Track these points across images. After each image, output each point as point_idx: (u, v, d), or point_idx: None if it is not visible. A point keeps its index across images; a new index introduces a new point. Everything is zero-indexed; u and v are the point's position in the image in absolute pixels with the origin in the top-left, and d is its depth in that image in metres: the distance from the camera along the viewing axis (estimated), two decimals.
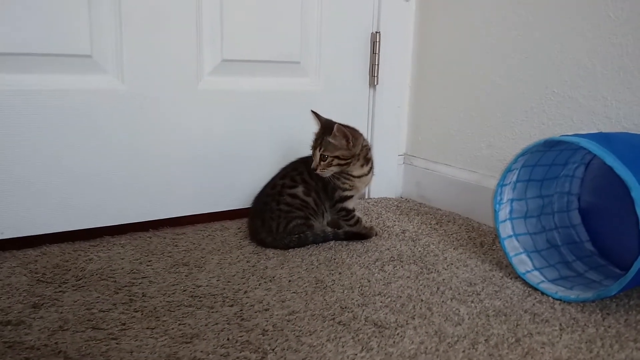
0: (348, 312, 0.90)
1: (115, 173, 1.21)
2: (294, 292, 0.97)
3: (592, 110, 1.16)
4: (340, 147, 1.16)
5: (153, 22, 1.20)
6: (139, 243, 1.19)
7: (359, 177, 1.22)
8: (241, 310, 0.90)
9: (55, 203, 1.16)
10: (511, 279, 1.05)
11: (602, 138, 0.93)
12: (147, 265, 1.07)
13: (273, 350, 0.78)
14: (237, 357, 0.76)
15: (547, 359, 0.78)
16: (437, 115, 1.55)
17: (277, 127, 1.41)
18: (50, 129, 1.13)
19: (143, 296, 0.94)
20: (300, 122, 1.38)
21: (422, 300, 0.95)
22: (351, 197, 1.23)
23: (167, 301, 0.93)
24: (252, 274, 1.05)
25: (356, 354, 0.78)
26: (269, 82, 1.39)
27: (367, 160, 1.23)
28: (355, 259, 1.14)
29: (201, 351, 0.78)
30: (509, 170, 1.05)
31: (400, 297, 0.96)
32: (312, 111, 1.21)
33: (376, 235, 1.28)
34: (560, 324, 0.88)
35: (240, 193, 1.37)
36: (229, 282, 1.01)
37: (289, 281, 1.02)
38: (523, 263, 1.05)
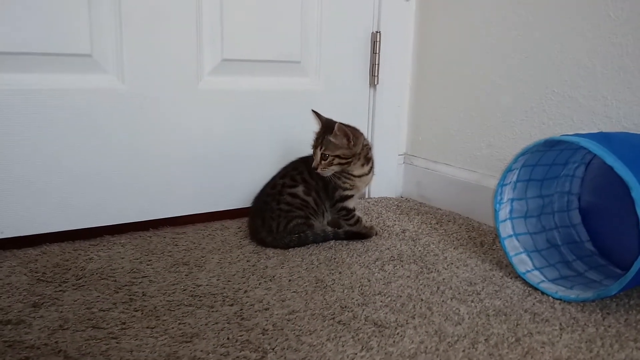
0: (348, 311, 0.90)
1: (116, 172, 1.21)
2: (294, 292, 0.97)
3: (593, 110, 1.16)
4: (341, 146, 1.16)
5: (153, 22, 1.20)
6: (139, 242, 1.19)
7: (359, 176, 1.22)
8: (241, 310, 0.90)
9: (55, 202, 1.16)
10: (511, 278, 1.05)
11: (603, 138, 0.93)
12: (147, 265, 1.07)
13: (273, 349, 0.78)
14: (237, 357, 0.76)
15: (547, 359, 0.78)
16: (437, 114, 1.55)
17: (277, 126, 1.41)
18: (50, 128, 1.13)
19: (143, 295, 0.94)
20: (300, 122, 1.38)
21: (422, 300, 0.95)
22: (351, 196, 1.23)
23: (167, 300, 0.93)
24: (252, 273, 1.05)
25: (356, 354, 0.78)
26: (269, 82, 1.39)
27: (368, 160, 1.23)
28: (356, 258, 1.14)
29: (201, 350, 0.78)
30: (509, 169, 1.04)
31: (400, 296, 0.96)
32: (313, 110, 1.21)
33: (376, 234, 1.28)
34: (561, 324, 0.88)
35: (240, 192, 1.37)
36: (229, 281, 1.01)
37: (289, 280, 1.02)
38: (523, 263, 1.05)
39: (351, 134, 1.16)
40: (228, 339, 0.81)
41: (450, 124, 1.51)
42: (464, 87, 1.46)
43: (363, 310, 0.91)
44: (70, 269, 1.04)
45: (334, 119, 1.18)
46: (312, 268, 1.08)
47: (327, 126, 1.17)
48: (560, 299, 0.96)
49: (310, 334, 0.83)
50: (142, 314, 0.88)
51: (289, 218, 1.18)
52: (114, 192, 1.22)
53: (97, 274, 1.02)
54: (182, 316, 0.87)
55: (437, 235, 1.30)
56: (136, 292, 0.95)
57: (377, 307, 0.92)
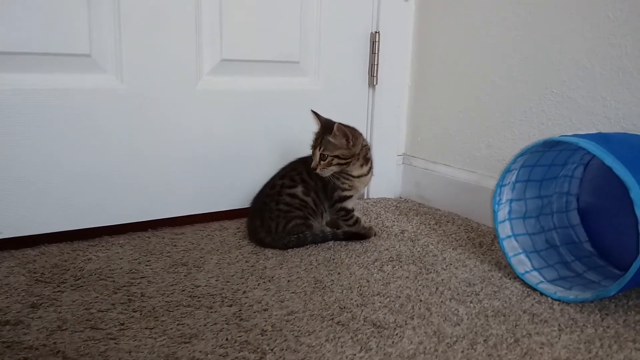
0: (347, 312, 0.90)
1: (115, 172, 1.21)
2: (292, 292, 0.97)
3: (591, 111, 1.16)
4: (340, 147, 1.16)
5: (152, 22, 1.20)
6: (138, 243, 1.19)
7: (358, 177, 1.22)
8: (240, 311, 0.90)
9: (55, 202, 1.16)
10: (510, 279, 1.05)
11: (601, 138, 0.93)
12: (146, 265, 1.07)
13: (272, 350, 0.78)
14: (236, 357, 0.76)
15: (546, 359, 0.78)
16: (437, 115, 1.55)
17: (276, 126, 1.40)
18: (50, 128, 1.13)
19: (142, 296, 0.94)
20: (299, 122, 1.38)
21: (421, 301, 0.95)
22: (350, 197, 1.23)
23: (165, 301, 0.93)
24: (251, 274, 1.05)
25: (355, 354, 0.78)
26: (268, 82, 1.39)
27: (367, 160, 1.23)
28: (354, 259, 1.14)
29: (200, 351, 0.78)
30: (508, 170, 1.05)
31: (399, 297, 0.96)
32: (312, 111, 1.21)
33: (375, 235, 1.28)
34: (559, 325, 0.88)
35: (239, 193, 1.37)
36: (227, 282, 1.01)
37: (288, 281, 1.02)
38: (522, 263, 1.05)
39: (350, 134, 1.16)
40: (227, 339, 0.81)
41: (450, 125, 1.51)
42: (463, 87, 1.46)
43: (362, 311, 0.91)
44: (68, 270, 1.04)
45: (333, 119, 1.18)
46: (311, 269, 1.08)
47: (327, 126, 1.17)
48: (559, 300, 0.96)
49: (309, 335, 0.83)
50: (140, 314, 0.88)
51: (288, 218, 1.18)
52: (113, 192, 1.22)
53: (95, 274, 1.02)
54: (181, 317, 0.87)
55: (436, 235, 1.30)
56: (135, 292, 0.95)
57: (376, 307, 0.92)
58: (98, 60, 1.16)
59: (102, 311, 0.88)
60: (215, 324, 0.85)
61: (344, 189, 1.22)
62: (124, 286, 0.98)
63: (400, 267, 1.10)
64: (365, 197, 1.61)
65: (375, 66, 1.52)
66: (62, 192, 1.16)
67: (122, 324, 0.84)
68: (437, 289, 1.00)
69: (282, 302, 0.93)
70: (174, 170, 1.29)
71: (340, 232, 1.24)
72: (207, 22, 1.26)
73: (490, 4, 1.35)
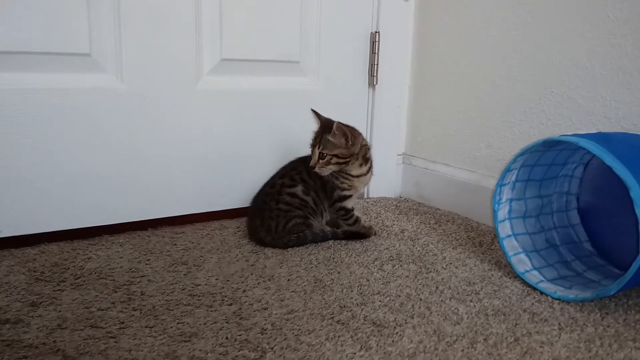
0: (347, 311, 0.90)
1: (115, 172, 1.21)
2: (292, 291, 0.97)
3: (591, 111, 1.16)
4: (339, 146, 1.16)
5: (152, 21, 1.20)
6: (138, 242, 1.19)
7: (357, 176, 1.22)
8: (240, 309, 0.90)
9: (55, 201, 1.16)
10: (510, 278, 1.05)
11: (601, 138, 0.93)
12: (146, 264, 1.07)
13: (272, 349, 0.78)
14: (236, 356, 0.76)
15: (546, 358, 0.78)
16: (437, 115, 1.55)
17: (277, 126, 1.41)
18: (50, 127, 1.13)
19: (142, 295, 0.94)
20: (299, 122, 1.38)
21: (421, 300, 0.95)
22: (350, 196, 1.23)
23: (165, 300, 0.93)
24: (251, 273, 1.05)
25: (355, 353, 0.78)
26: (269, 82, 1.39)
27: (366, 160, 1.23)
28: (354, 258, 1.14)
29: (200, 350, 0.78)
30: (508, 170, 1.05)
31: (399, 296, 0.96)
32: (312, 110, 1.21)
33: (375, 234, 1.28)
34: (559, 324, 0.88)
35: (239, 192, 1.37)
36: (227, 281, 1.01)
37: (288, 280, 1.02)
38: (522, 262, 1.05)
39: (349, 133, 1.16)
40: (227, 338, 0.81)
41: (450, 124, 1.51)
42: (463, 87, 1.46)
43: (362, 310, 0.91)
44: (68, 269, 1.04)
45: (333, 118, 1.18)
46: (311, 268, 1.08)
47: (326, 125, 1.17)
48: (559, 299, 0.96)
49: (309, 334, 0.83)
50: (140, 313, 0.88)
51: (288, 218, 1.18)
52: (113, 192, 1.22)
53: (95, 273, 1.02)
54: (181, 315, 0.87)
55: (436, 235, 1.30)
56: (135, 291, 0.95)
57: (375, 306, 0.92)
58: (98, 59, 1.16)
59: (102, 310, 0.88)
60: (215, 322, 0.85)
61: (344, 189, 1.22)
62: (124, 285, 0.98)
63: (400, 266, 1.10)
64: (365, 196, 1.61)
65: (375, 66, 1.52)
66: (62, 191, 1.16)
67: (122, 323, 0.84)
68: (437, 288, 1.00)
69: (282, 300, 0.93)
70: (174, 170, 1.29)
71: (340, 231, 1.24)
72: (207, 21, 1.26)
73: (490, 4, 1.35)
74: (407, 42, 1.59)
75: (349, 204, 1.24)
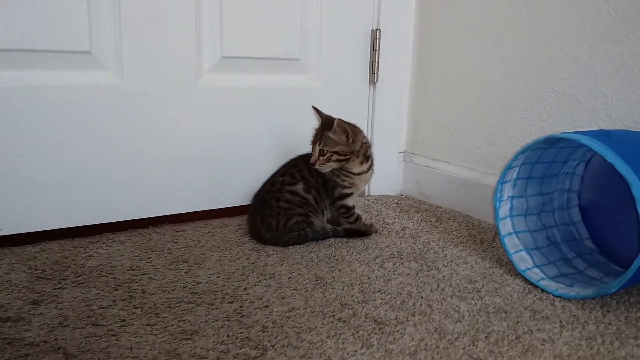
0: (348, 309, 0.90)
1: (115, 169, 1.21)
2: (293, 289, 0.97)
3: (593, 108, 1.16)
4: (339, 143, 1.16)
5: (153, 18, 1.19)
6: (139, 240, 1.19)
7: (358, 174, 1.22)
8: (241, 307, 0.90)
9: (55, 199, 1.16)
10: (511, 276, 1.05)
11: (603, 135, 0.93)
12: (147, 262, 1.07)
13: (273, 346, 0.78)
14: (237, 354, 0.76)
15: (548, 356, 0.78)
16: (437, 112, 1.55)
17: (277, 124, 1.40)
18: (50, 125, 1.13)
19: (143, 293, 0.94)
20: (300, 119, 1.38)
21: (422, 297, 0.95)
22: (351, 194, 1.23)
23: (166, 298, 0.92)
24: (252, 270, 1.05)
25: (356, 351, 0.78)
26: (269, 79, 1.38)
27: (367, 158, 1.23)
28: (355, 256, 1.14)
29: (201, 347, 0.77)
30: (509, 167, 1.04)
31: (400, 294, 0.96)
32: (313, 107, 1.21)
33: (376, 232, 1.28)
34: (561, 321, 0.88)
35: (239, 190, 1.37)
36: (228, 278, 1.01)
37: (289, 278, 1.02)
38: (523, 260, 1.05)
39: (350, 130, 1.16)
40: (228, 336, 0.81)
41: (451, 122, 1.51)
42: (464, 85, 1.45)
43: (363, 308, 0.91)
44: (69, 267, 1.04)
45: (334, 116, 1.18)
46: (312, 265, 1.08)
47: (327, 122, 1.17)
48: (561, 297, 0.96)
49: (310, 332, 0.83)
50: (141, 311, 0.88)
51: (289, 216, 1.18)
52: (114, 189, 1.22)
53: (96, 271, 1.02)
54: (182, 313, 0.87)
55: (437, 232, 1.30)
56: (136, 289, 0.95)
57: (377, 304, 0.92)
58: (98, 57, 1.16)
59: (103, 308, 0.88)
60: (216, 320, 0.85)
61: (345, 187, 1.22)
62: (125, 283, 0.98)
63: (402, 264, 1.10)
64: (366, 194, 1.61)
65: (376, 63, 1.52)
66: (63, 189, 1.16)
67: (123, 321, 0.84)
68: (438, 285, 1.00)
69: (283, 298, 0.93)
70: (175, 167, 1.28)
71: (341, 229, 1.24)
72: (208, 19, 1.26)
73: (491, 2, 1.35)
74: (407, 40, 1.58)
75: (349, 201, 1.23)
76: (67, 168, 1.16)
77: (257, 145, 1.39)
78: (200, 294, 0.94)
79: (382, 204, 1.53)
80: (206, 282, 0.99)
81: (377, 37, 1.50)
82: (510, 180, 1.07)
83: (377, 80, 1.53)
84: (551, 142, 1.00)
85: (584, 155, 1.12)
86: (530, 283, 1.02)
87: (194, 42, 1.25)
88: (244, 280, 1.00)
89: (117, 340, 0.79)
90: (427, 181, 1.58)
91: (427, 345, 0.80)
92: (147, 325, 0.83)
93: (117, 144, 1.20)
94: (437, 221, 1.38)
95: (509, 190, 1.08)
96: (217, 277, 1.01)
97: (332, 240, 1.22)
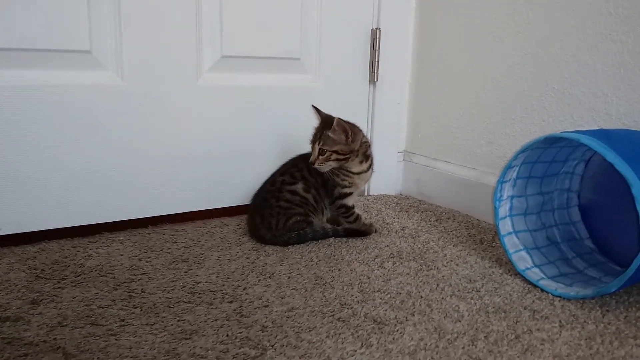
0: (347, 308, 0.90)
1: (115, 169, 1.21)
2: (293, 289, 0.97)
3: (593, 107, 1.16)
4: (339, 142, 1.16)
5: (153, 18, 1.19)
6: (138, 239, 1.19)
7: (358, 173, 1.22)
8: (240, 307, 0.90)
9: (55, 199, 1.16)
10: (511, 275, 1.05)
11: (603, 135, 0.93)
12: (147, 262, 1.07)
13: (272, 346, 0.78)
14: (237, 353, 0.76)
15: (547, 356, 0.78)
16: (437, 112, 1.55)
17: (277, 123, 1.40)
18: (50, 124, 1.13)
19: (142, 292, 0.94)
20: (300, 119, 1.38)
21: (421, 297, 0.95)
22: (350, 194, 1.23)
23: (166, 297, 0.92)
24: (252, 270, 1.05)
25: (356, 350, 0.78)
26: (269, 79, 1.38)
27: (367, 157, 1.23)
28: (355, 255, 1.14)
29: (200, 347, 0.77)
30: (509, 167, 1.04)
31: (400, 293, 0.96)
32: (313, 106, 1.21)
33: (376, 232, 1.28)
34: (560, 321, 0.88)
35: (239, 189, 1.37)
36: (228, 278, 1.01)
37: (289, 278, 1.02)
38: (523, 260, 1.05)
39: (350, 129, 1.16)
40: (227, 335, 0.81)
41: (450, 121, 1.51)
42: (464, 84, 1.45)
43: (362, 308, 0.91)
44: (69, 266, 1.04)
45: (334, 115, 1.18)
46: (312, 265, 1.08)
47: (326, 122, 1.17)
48: (560, 296, 0.96)
49: (309, 331, 0.83)
50: (141, 310, 0.88)
51: (289, 215, 1.18)
52: (113, 189, 1.22)
53: (96, 270, 1.02)
54: (182, 313, 0.87)
55: (437, 232, 1.30)
56: (135, 289, 0.95)
57: (376, 304, 0.92)
58: (98, 56, 1.16)
59: (103, 307, 0.88)
60: (216, 320, 0.85)
61: (344, 186, 1.22)
62: (125, 282, 0.98)
63: (401, 263, 1.10)
64: (366, 193, 1.61)
65: (376, 63, 1.52)
66: (62, 189, 1.16)
67: (123, 320, 0.84)
68: (437, 285, 1.00)
69: (282, 298, 0.93)
70: (175, 167, 1.28)
71: (341, 228, 1.24)
72: (208, 18, 1.26)
73: (491, 1, 1.35)
74: (407, 39, 1.58)
75: (349, 201, 1.23)
76: (67, 167, 1.16)
77: (257, 144, 1.39)
78: (199, 293, 0.94)
79: (382, 203, 1.53)
80: (206, 282, 0.99)
81: (377, 37, 1.50)
82: (510, 179, 1.07)
83: (377, 80, 1.53)
84: (551, 142, 1.00)
85: (583, 155, 1.12)
86: (530, 283, 1.02)
87: (194, 41, 1.25)
88: (243, 280, 1.00)
89: (116, 339, 0.79)
90: (426, 181, 1.58)
91: (426, 344, 0.80)
92: (147, 324, 0.83)
93: (117, 144, 1.20)
94: (436, 221, 1.38)
95: (508, 190, 1.08)
96: (216, 277, 1.01)
97: (331, 239, 1.22)
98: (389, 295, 0.95)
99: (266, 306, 0.90)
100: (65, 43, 1.12)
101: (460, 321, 0.87)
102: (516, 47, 1.30)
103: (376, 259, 1.12)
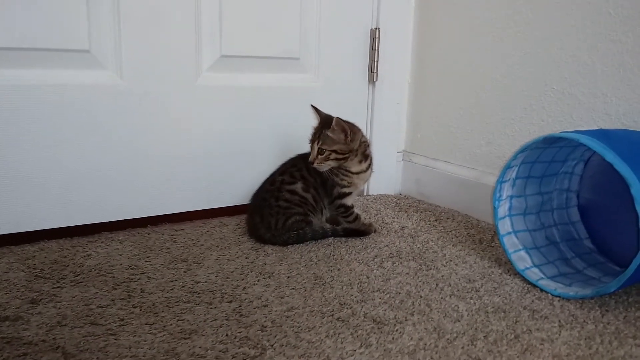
0: (347, 308, 0.90)
1: (114, 169, 1.21)
2: (292, 288, 0.97)
3: (592, 107, 1.16)
4: (338, 141, 1.16)
5: (152, 17, 1.19)
6: (138, 239, 1.19)
7: (357, 173, 1.22)
8: (240, 306, 0.90)
9: (54, 198, 1.15)
10: (510, 275, 1.05)
11: (602, 135, 0.93)
12: (146, 261, 1.07)
13: (272, 346, 0.78)
14: (236, 353, 0.76)
15: (546, 356, 0.78)
16: (437, 112, 1.55)
17: (276, 123, 1.40)
18: (50, 124, 1.13)
19: (141, 292, 0.94)
20: (299, 119, 1.38)
21: (421, 297, 0.95)
22: (350, 193, 1.23)
23: (165, 297, 0.92)
24: (251, 270, 1.05)
25: (355, 350, 0.78)
26: (268, 78, 1.38)
27: (366, 157, 1.23)
28: (354, 255, 1.14)
29: (200, 347, 0.77)
30: (508, 167, 1.04)
31: (399, 293, 0.96)
32: (312, 106, 1.21)
33: (375, 232, 1.28)
34: (559, 321, 0.88)
35: (239, 189, 1.37)
36: (227, 278, 1.01)
37: (288, 277, 1.02)
38: (522, 260, 1.05)
39: (349, 129, 1.16)
40: (227, 335, 0.81)
41: (450, 121, 1.51)
42: (464, 84, 1.45)
43: (362, 307, 0.91)
44: (68, 266, 1.03)
45: (333, 115, 1.18)
46: (311, 265, 1.08)
47: (326, 121, 1.17)
48: (559, 296, 0.96)
49: (309, 331, 0.83)
50: (140, 310, 0.88)
51: (288, 215, 1.18)
52: (112, 189, 1.22)
53: (95, 270, 1.02)
54: (181, 313, 0.87)
55: (436, 232, 1.30)
56: (134, 288, 0.95)
57: (376, 304, 0.92)
58: (97, 56, 1.16)
59: (102, 307, 0.88)
60: (215, 319, 0.85)
61: (343, 186, 1.22)
62: (124, 282, 0.97)
63: (400, 263, 1.10)
64: (365, 193, 1.61)
65: (375, 63, 1.52)
66: (62, 188, 1.16)
67: (122, 320, 0.84)
68: (437, 285, 1.00)
69: (282, 298, 0.93)
70: (174, 166, 1.28)
71: (340, 228, 1.24)
72: (207, 17, 1.26)
73: (490, 1, 1.35)
74: (407, 39, 1.58)
75: (348, 201, 1.23)
76: (67, 167, 1.16)
77: (257, 144, 1.39)
78: (199, 293, 0.94)
79: (381, 203, 1.53)
80: (205, 282, 0.99)
81: (377, 37, 1.50)
82: (509, 179, 1.07)
83: (377, 80, 1.53)
84: (550, 142, 1.00)
85: (583, 155, 1.12)
86: (529, 282, 1.02)
87: (194, 41, 1.25)
88: (242, 280, 1.00)
89: (115, 339, 0.79)
90: (426, 180, 1.58)
91: (426, 344, 0.80)
92: (146, 324, 0.83)
93: (116, 143, 1.20)
94: (436, 220, 1.38)
95: (508, 190, 1.08)
96: (216, 277, 1.01)
97: (331, 239, 1.22)
98: (388, 295, 0.95)
99: (265, 306, 0.90)
100: (64, 42, 1.12)
101: (459, 321, 0.87)
102: (516, 47, 1.30)
103: (375, 259, 1.12)
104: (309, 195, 1.20)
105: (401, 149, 1.66)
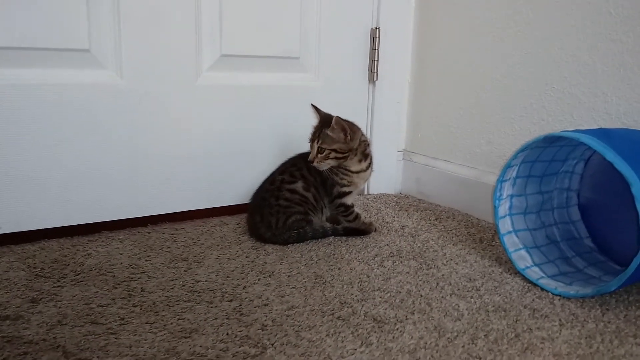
0: (347, 307, 0.90)
1: (115, 168, 1.21)
2: (293, 287, 0.97)
3: (592, 107, 1.16)
4: (338, 140, 1.16)
5: (152, 17, 1.19)
6: (138, 238, 1.19)
7: (357, 172, 1.22)
8: (240, 305, 0.90)
9: (54, 198, 1.15)
10: (510, 274, 1.05)
11: (602, 134, 0.93)
12: (146, 260, 1.07)
13: (272, 345, 0.78)
14: (237, 352, 0.76)
15: (547, 354, 0.78)
16: (437, 111, 1.55)
17: (277, 122, 1.40)
18: (50, 123, 1.13)
19: (142, 291, 0.94)
20: (299, 118, 1.38)
21: (421, 296, 0.95)
22: (350, 193, 1.23)
23: (166, 296, 0.92)
24: (251, 269, 1.05)
25: (355, 349, 0.78)
26: (268, 78, 1.38)
27: (366, 156, 1.23)
28: (355, 254, 1.14)
29: (200, 346, 0.77)
30: (508, 166, 1.04)
31: (400, 292, 0.96)
32: (312, 105, 1.21)
33: (375, 231, 1.28)
34: (560, 320, 0.88)
35: (239, 188, 1.37)
36: (228, 277, 1.01)
37: (288, 276, 1.02)
38: (522, 259, 1.05)
39: (348, 128, 1.16)
40: (227, 334, 0.81)
41: (450, 121, 1.51)
42: (464, 83, 1.45)
43: (362, 306, 0.91)
44: (68, 265, 1.03)
45: (333, 114, 1.18)
46: (311, 264, 1.08)
47: (325, 120, 1.17)
48: (560, 295, 0.96)
49: (309, 330, 0.83)
50: (141, 309, 0.88)
51: (288, 214, 1.18)
52: (113, 188, 1.22)
53: (95, 269, 1.02)
54: (181, 312, 0.87)
55: (437, 231, 1.30)
56: (135, 287, 0.95)
57: (376, 302, 0.92)
58: (97, 55, 1.16)
59: (102, 306, 0.88)
60: (216, 318, 0.85)
61: (343, 185, 1.22)
62: (124, 281, 0.97)
63: (401, 262, 1.10)
64: (366, 192, 1.61)
65: (376, 62, 1.52)
66: (62, 188, 1.16)
67: (123, 319, 0.84)
68: (437, 284, 1.00)
69: (282, 297, 0.93)
70: (174, 166, 1.28)
71: (341, 227, 1.24)
72: (207, 17, 1.26)
73: (491, 1, 1.35)
74: (407, 38, 1.58)
75: (348, 200, 1.23)
76: (67, 166, 1.16)
77: (257, 143, 1.39)
78: (199, 292, 0.94)
79: (382, 202, 1.53)
80: (205, 281, 0.99)
81: (377, 36, 1.50)
82: (509, 178, 1.07)
83: (377, 79, 1.53)
84: (551, 141, 1.00)
85: (583, 154, 1.12)
86: (530, 281, 1.02)
87: (194, 40, 1.25)
88: (243, 279, 1.00)
89: (116, 338, 0.79)
90: (426, 180, 1.58)
91: (426, 343, 0.80)
92: (146, 323, 0.83)
93: (116, 143, 1.20)
94: (436, 220, 1.38)
95: (508, 189, 1.08)
96: (216, 276, 1.01)
97: (331, 238, 1.22)
98: (388, 294, 0.95)
99: (266, 305, 0.90)
100: (64, 42, 1.12)
101: (460, 320, 0.87)
102: (516, 47, 1.30)
103: (376, 258, 1.12)
104: (309, 195, 1.20)
105: (401, 148, 1.66)
